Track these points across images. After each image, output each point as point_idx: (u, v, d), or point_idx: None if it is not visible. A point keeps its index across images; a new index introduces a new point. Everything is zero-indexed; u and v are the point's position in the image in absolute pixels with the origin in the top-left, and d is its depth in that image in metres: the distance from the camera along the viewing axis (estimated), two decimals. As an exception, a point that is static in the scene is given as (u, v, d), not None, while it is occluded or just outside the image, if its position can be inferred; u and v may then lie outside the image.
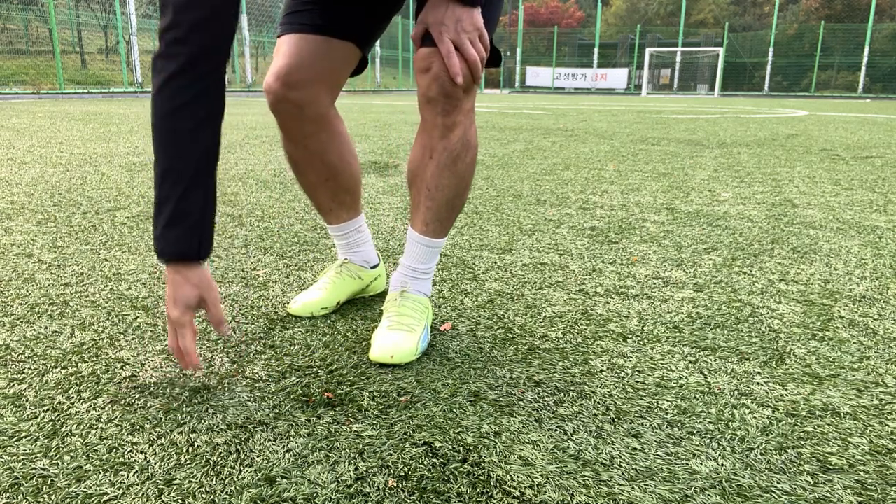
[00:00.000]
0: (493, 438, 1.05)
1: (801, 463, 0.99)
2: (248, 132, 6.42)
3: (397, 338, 1.33)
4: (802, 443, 1.05)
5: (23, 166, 3.88)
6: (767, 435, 1.07)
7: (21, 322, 1.49)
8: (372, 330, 1.48)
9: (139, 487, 0.91)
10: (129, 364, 1.29)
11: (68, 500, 0.88)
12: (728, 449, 1.03)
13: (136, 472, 0.95)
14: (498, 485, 0.93)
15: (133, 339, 1.41)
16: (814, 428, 1.09)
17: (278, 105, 1.41)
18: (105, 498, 0.89)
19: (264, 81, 1.40)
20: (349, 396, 1.17)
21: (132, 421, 1.08)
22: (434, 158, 1.35)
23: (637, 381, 1.25)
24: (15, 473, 0.94)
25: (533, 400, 1.17)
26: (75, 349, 1.35)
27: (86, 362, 1.29)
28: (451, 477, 0.95)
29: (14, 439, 1.02)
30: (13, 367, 1.27)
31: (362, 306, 1.63)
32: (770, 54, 30.74)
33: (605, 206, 2.98)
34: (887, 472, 0.97)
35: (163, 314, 1.55)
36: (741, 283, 1.86)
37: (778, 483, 0.94)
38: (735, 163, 4.60)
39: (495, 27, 1.35)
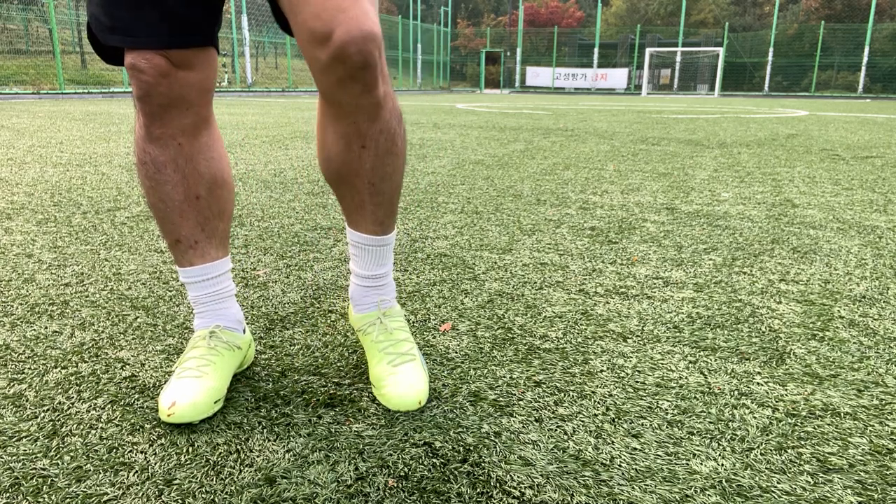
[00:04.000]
0: (493, 438, 1.05)
1: (801, 463, 0.99)
2: (248, 132, 6.42)
3: (410, 375, 1.16)
4: (802, 443, 1.05)
5: (23, 166, 3.88)
6: (767, 435, 1.07)
7: (21, 322, 1.49)
8: (372, 330, 1.47)
9: (139, 487, 0.91)
10: (129, 364, 1.29)
11: (68, 500, 0.88)
12: (728, 449, 1.03)
13: (136, 472, 0.95)
14: (498, 485, 0.93)
15: (133, 339, 1.41)
16: (814, 428, 1.09)
17: (157, 86, 1.05)
18: (105, 498, 0.89)
19: (131, 63, 1.04)
20: (349, 396, 1.17)
21: (132, 421, 1.08)
22: (369, 147, 1.09)
23: (637, 381, 1.25)
24: (15, 473, 0.94)
25: (533, 400, 1.17)
26: (75, 349, 1.35)
27: (86, 362, 1.29)
28: (451, 477, 0.95)
29: (14, 439, 1.02)
30: (13, 367, 1.27)
31: (362, 306, 1.63)
32: (770, 54, 30.73)
33: (605, 206, 2.98)
34: (887, 472, 0.97)
35: (163, 314, 1.55)
36: (741, 283, 1.86)
37: (778, 483, 0.94)
38: (735, 163, 4.60)
39: None
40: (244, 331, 1.27)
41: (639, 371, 1.29)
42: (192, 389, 1.09)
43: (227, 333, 1.21)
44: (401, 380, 1.15)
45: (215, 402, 1.11)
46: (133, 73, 1.04)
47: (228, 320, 1.24)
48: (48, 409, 1.11)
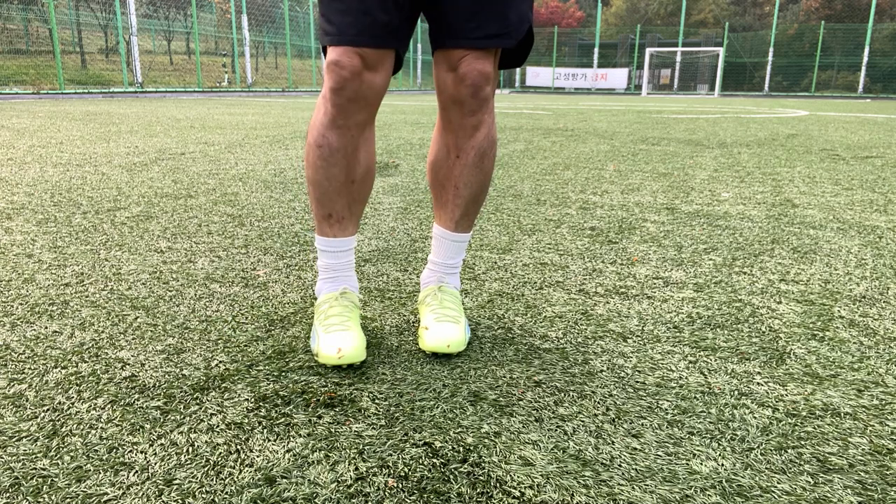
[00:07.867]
0: (493, 438, 1.05)
1: (801, 463, 0.99)
2: (248, 132, 6.42)
3: (448, 328, 1.36)
4: (802, 443, 1.05)
5: (23, 166, 3.88)
6: (767, 435, 1.07)
7: (21, 322, 1.49)
8: (372, 331, 1.48)
9: (139, 487, 0.91)
10: (129, 364, 1.29)
11: (68, 500, 0.88)
12: (728, 449, 1.03)
13: (136, 472, 0.95)
14: (498, 485, 0.93)
15: (133, 339, 1.41)
16: (814, 428, 1.09)
17: (351, 81, 1.24)
18: (105, 498, 0.89)
19: (334, 59, 1.23)
20: (349, 396, 1.17)
21: (132, 421, 1.08)
22: (461, 158, 1.38)
23: (637, 381, 1.25)
24: (15, 473, 0.94)
25: (533, 400, 1.17)
26: (75, 349, 1.35)
27: (86, 362, 1.29)
28: (451, 477, 0.95)
29: (14, 439, 1.02)
30: (13, 367, 1.27)
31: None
32: (770, 54, 30.72)
33: (605, 206, 2.98)
34: (887, 472, 0.97)
35: (163, 314, 1.55)
36: (741, 283, 1.86)
37: (778, 483, 0.94)
38: (735, 163, 4.60)
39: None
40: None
41: (639, 371, 1.29)
42: (349, 338, 1.29)
43: (351, 294, 1.42)
44: (439, 330, 1.35)
45: (365, 348, 1.31)
46: (334, 68, 1.24)
47: (351, 284, 1.44)
48: (48, 409, 1.11)
